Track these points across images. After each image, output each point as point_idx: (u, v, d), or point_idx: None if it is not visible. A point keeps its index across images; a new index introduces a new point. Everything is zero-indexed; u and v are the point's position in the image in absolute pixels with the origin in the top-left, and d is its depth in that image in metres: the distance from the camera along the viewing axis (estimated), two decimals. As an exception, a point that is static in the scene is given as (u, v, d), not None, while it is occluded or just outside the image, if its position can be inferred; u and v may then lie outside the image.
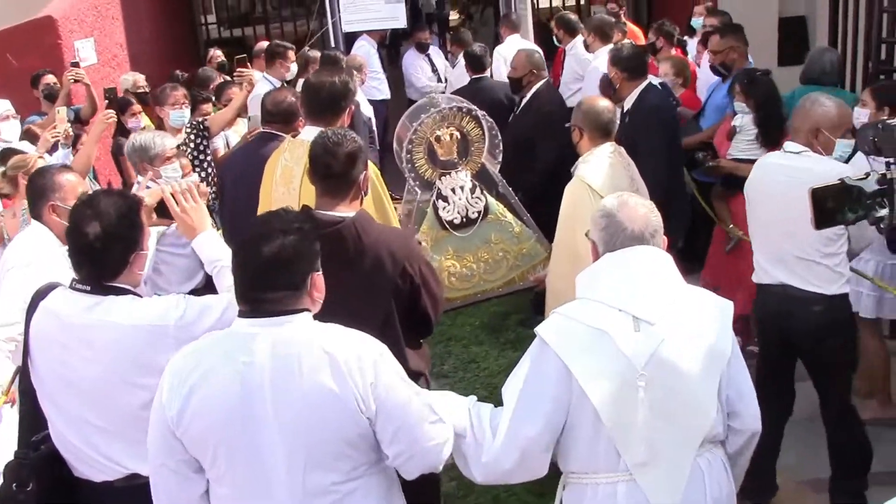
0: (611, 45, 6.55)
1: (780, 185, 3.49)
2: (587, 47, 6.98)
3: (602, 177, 3.71)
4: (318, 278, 2.24)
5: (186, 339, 2.38)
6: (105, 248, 2.46)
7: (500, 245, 4.25)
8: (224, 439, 2.15)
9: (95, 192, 2.64)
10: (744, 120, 4.84)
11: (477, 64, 6.46)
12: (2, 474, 2.65)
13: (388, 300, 2.90)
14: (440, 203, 4.15)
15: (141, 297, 2.56)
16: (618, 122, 3.94)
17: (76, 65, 6.41)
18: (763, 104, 4.64)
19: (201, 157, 5.43)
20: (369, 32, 8.87)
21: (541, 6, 11.01)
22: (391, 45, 15.40)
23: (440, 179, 4.17)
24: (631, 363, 2.30)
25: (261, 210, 3.64)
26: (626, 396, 2.30)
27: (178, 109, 5.35)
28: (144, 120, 6.14)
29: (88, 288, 2.49)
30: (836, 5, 6.52)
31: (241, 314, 2.20)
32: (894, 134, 1.93)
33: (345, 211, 2.89)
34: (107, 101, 5.69)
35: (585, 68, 6.98)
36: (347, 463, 2.20)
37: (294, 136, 3.90)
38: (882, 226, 2.04)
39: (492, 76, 6.99)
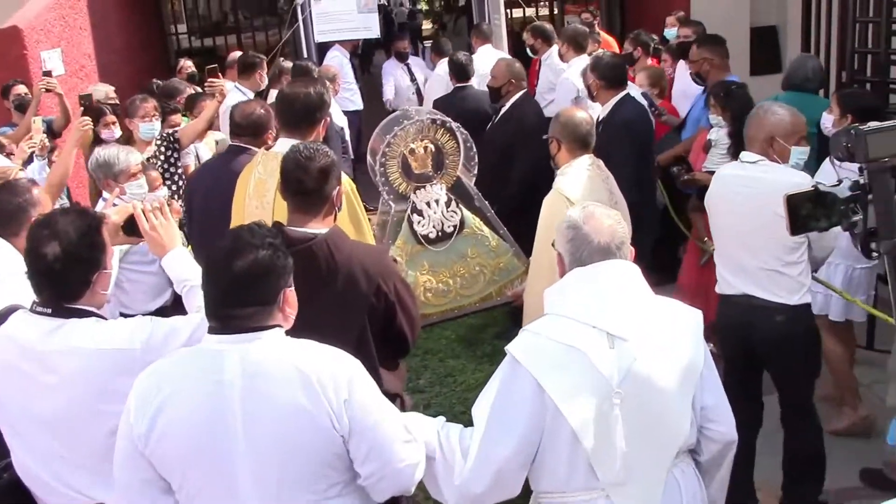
0: (584, 56, 6.56)
1: (738, 196, 3.53)
2: (561, 57, 6.96)
3: (580, 189, 3.69)
4: (291, 294, 2.20)
5: (154, 362, 2.27)
6: (65, 270, 2.37)
7: (476, 259, 4.19)
8: (194, 460, 2.09)
9: (53, 212, 2.54)
10: (720, 133, 4.87)
11: (461, 72, 6.41)
12: (-39, 505, 2.55)
13: (362, 319, 2.84)
14: (415, 217, 4.09)
15: (105, 318, 2.47)
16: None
17: (48, 74, 6.26)
18: (738, 116, 4.62)
19: (172, 169, 5.33)
20: (341, 42, 8.82)
21: (514, 16, 10.99)
22: (363, 55, 15.38)
23: (415, 193, 4.10)
24: (607, 381, 2.26)
25: (233, 224, 3.56)
26: (603, 415, 2.27)
27: (147, 122, 5.23)
28: (118, 131, 6.00)
29: (49, 311, 2.40)
30: (809, 15, 6.56)
31: (211, 330, 2.14)
32: (866, 139, 1.91)
33: (317, 227, 2.83)
34: (82, 109, 5.54)
35: (560, 78, 6.97)
36: (323, 482, 2.15)
37: (267, 149, 3.83)
38: (856, 231, 2.03)
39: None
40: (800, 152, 3.59)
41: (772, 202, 3.04)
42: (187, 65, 8.05)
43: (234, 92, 6.36)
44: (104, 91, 6.53)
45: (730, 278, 3.66)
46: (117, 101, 6.46)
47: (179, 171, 5.38)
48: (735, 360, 3.77)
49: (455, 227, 4.16)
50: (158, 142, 5.31)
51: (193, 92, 6.62)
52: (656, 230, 4.97)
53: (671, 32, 7.46)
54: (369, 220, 3.69)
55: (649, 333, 2.32)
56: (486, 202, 4.32)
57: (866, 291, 4.41)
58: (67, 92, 6.29)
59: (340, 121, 6.85)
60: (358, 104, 8.94)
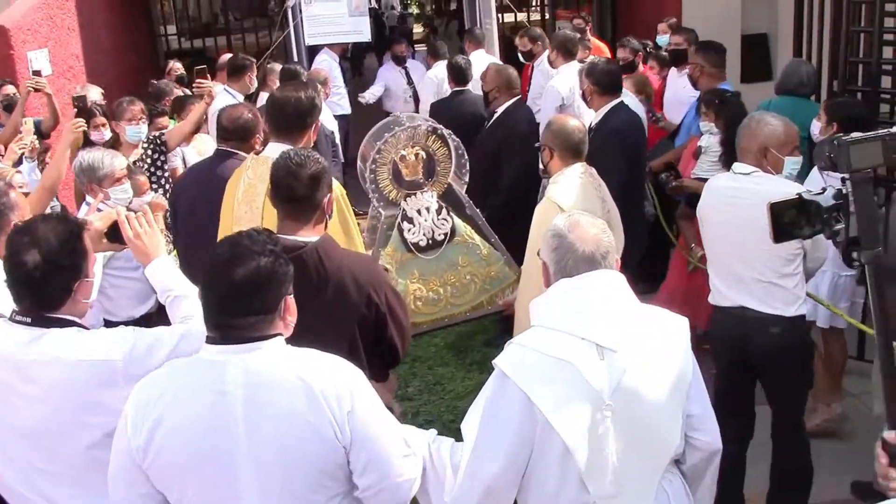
0: (574, 62, 6.54)
1: (732, 207, 3.52)
2: (551, 64, 6.93)
3: (572, 198, 3.68)
4: (291, 301, 2.17)
5: (137, 374, 2.25)
6: (45, 278, 2.30)
7: (467, 268, 4.14)
8: (194, 473, 2.05)
9: (34, 218, 2.48)
10: (710, 140, 4.89)
11: (459, 76, 6.35)
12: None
13: (352, 329, 2.80)
14: (405, 225, 4.04)
15: (87, 328, 2.42)
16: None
17: (38, 73, 6.16)
18: (731, 125, 4.64)
19: (158, 172, 5.27)
20: (330, 46, 8.77)
21: (505, 21, 10.97)
22: (354, 58, 15.33)
23: (405, 200, 4.05)
24: (598, 393, 2.24)
25: (222, 229, 3.52)
26: (595, 428, 2.24)
27: (134, 125, 5.17)
28: (108, 133, 5.92)
29: (29, 320, 2.34)
30: (801, 24, 6.55)
31: (210, 340, 2.09)
32: (848, 149, 1.92)
33: (308, 235, 2.78)
34: (76, 110, 5.46)
35: (553, 84, 6.94)
36: (323, 494, 2.13)
37: (257, 154, 3.78)
38: (838, 240, 2.04)
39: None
40: (793, 162, 3.59)
41: (766, 214, 3.02)
42: (176, 66, 8.00)
43: (223, 95, 6.31)
44: (98, 92, 6.46)
45: (724, 290, 3.64)
46: (103, 103, 6.39)
47: (166, 174, 5.33)
48: (729, 371, 3.75)
49: (446, 235, 4.10)
50: (145, 144, 5.25)
51: (182, 94, 6.56)
52: (646, 239, 4.95)
53: (663, 39, 7.46)
54: (359, 224, 3.65)
55: (638, 344, 2.31)
56: (477, 210, 4.28)
57: (850, 298, 4.48)
58: (55, 93, 6.21)
59: (331, 125, 6.79)
60: (346, 108, 8.92)
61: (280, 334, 2.13)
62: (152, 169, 5.21)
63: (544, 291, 2.45)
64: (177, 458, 2.05)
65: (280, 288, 2.12)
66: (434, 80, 7.84)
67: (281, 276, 2.12)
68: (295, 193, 2.76)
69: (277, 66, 7.16)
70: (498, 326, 5.18)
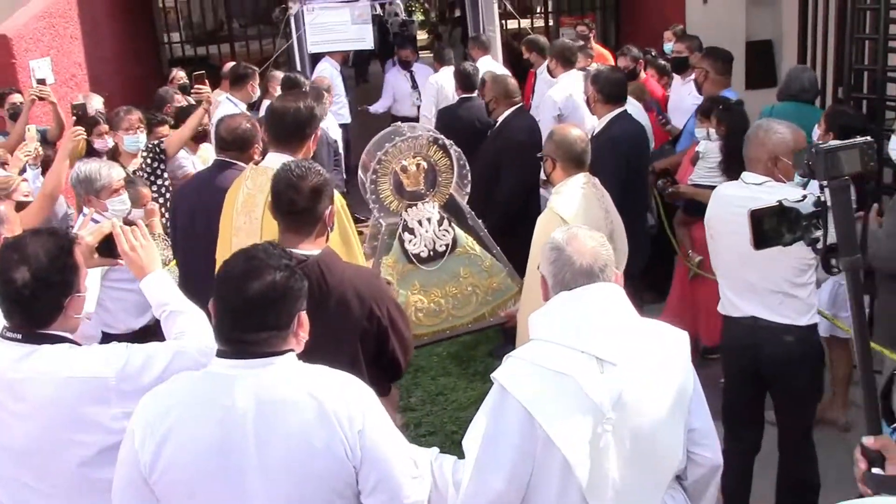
0: (573, 71, 6.50)
1: (741, 217, 3.42)
2: (550, 73, 6.88)
3: (575, 208, 3.65)
4: (304, 317, 2.14)
5: (130, 391, 2.23)
6: (35, 295, 2.26)
7: (469, 279, 4.10)
8: (202, 489, 2.02)
9: (24, 234, 2.44)
10: (708, 146, 4.88)
11: (467, 83, 6.33)
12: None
13: (354, 343, 2.77)
14: (406, 235, 4.00)
15: (79, 344, 2.38)
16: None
17: (42, 82, 6.14)
18: (733, 133, 4.64)
19: (158, 181, 5.24)
20: (331, 54, 8.74)
21: (508, 27, 10.95)
22: (358, 65, 15.33)
23: (406, 211, 4.01)
24: (598, 407, 2.22)
25: (221, 239, 3.49)
26: (595, 442, 2.22)
27: (132, 134, 5.15)
28: (112, 141, 5.90)
29: (20, 336, 2.30)
30: (805, 30, 6.53)
31: (221, 354, 2.07)
32: (826, 157, 1.93)
33: (309, 248, 2.76)
34: (75, 118, 5.44)
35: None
36: None
37: (256, 164, 3.75)
38: (818, 247, 2.06)
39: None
40: None
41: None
42: (180, 75, 7.98)
43: (225, 103, 6.28)
44: (100, 100, 6.44)
45: (735, 300, 3.61)
46: (105, 111, 6.37)
47: (166, 182, 5.30)
48: (739, 381, 3.72)
49: (447, 246, 4.06)
50: (144, 153, 5.23)
51: (186, 104, 6.53)
52: (648, 248, 4.91)
53: (670, 46, 7.45)
54: (360, 232, 3.61)
55: (638, 357, 2.29)
56: (479, 221, 4.23)
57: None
58: (58, 101, 6.19)
59: (335, 133, 6.75)
60: (346, 118, 8.88)
61: (292, 350, 2.10)
62: (152, 178, 5.19)
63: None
64: (185, 475, 2.02)
65: (295, 303, 2.10)
66: (434, 86, 7.81)
67: (296, 291, 2.10)
68: (296, 206, 2.74)
69: (279, 74, 7.14)
70: (501, 336, 5.14)
